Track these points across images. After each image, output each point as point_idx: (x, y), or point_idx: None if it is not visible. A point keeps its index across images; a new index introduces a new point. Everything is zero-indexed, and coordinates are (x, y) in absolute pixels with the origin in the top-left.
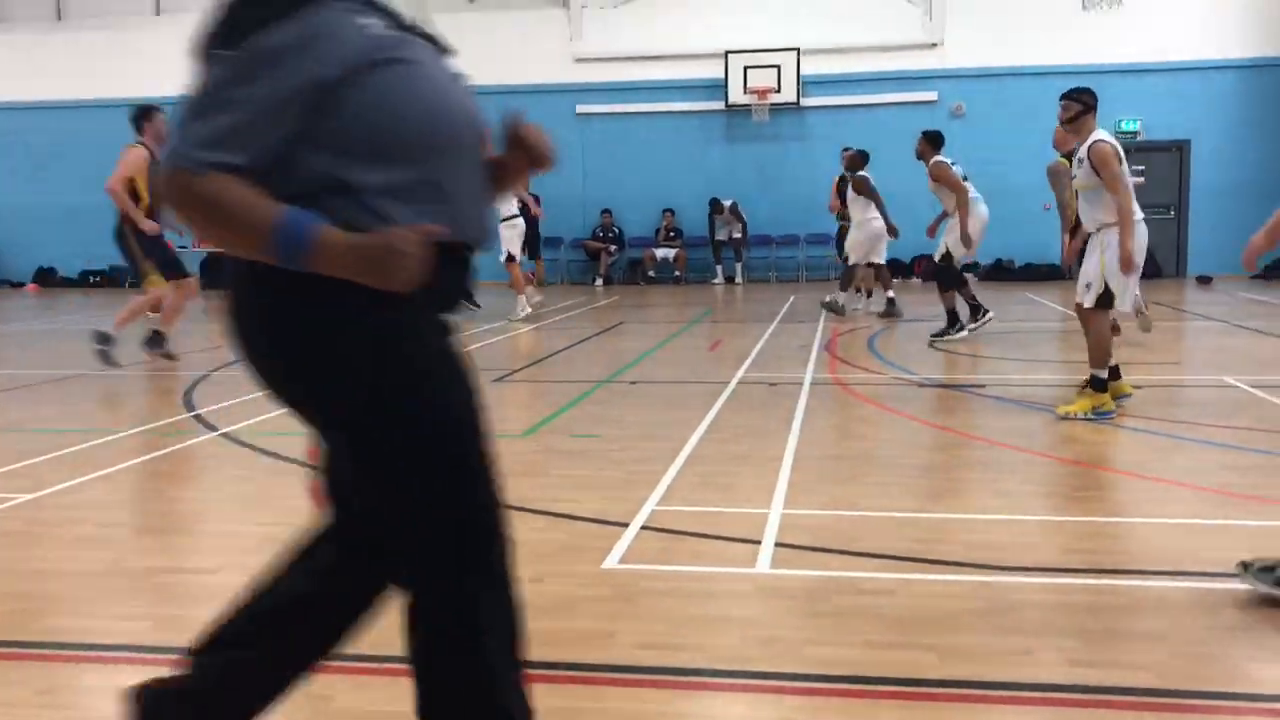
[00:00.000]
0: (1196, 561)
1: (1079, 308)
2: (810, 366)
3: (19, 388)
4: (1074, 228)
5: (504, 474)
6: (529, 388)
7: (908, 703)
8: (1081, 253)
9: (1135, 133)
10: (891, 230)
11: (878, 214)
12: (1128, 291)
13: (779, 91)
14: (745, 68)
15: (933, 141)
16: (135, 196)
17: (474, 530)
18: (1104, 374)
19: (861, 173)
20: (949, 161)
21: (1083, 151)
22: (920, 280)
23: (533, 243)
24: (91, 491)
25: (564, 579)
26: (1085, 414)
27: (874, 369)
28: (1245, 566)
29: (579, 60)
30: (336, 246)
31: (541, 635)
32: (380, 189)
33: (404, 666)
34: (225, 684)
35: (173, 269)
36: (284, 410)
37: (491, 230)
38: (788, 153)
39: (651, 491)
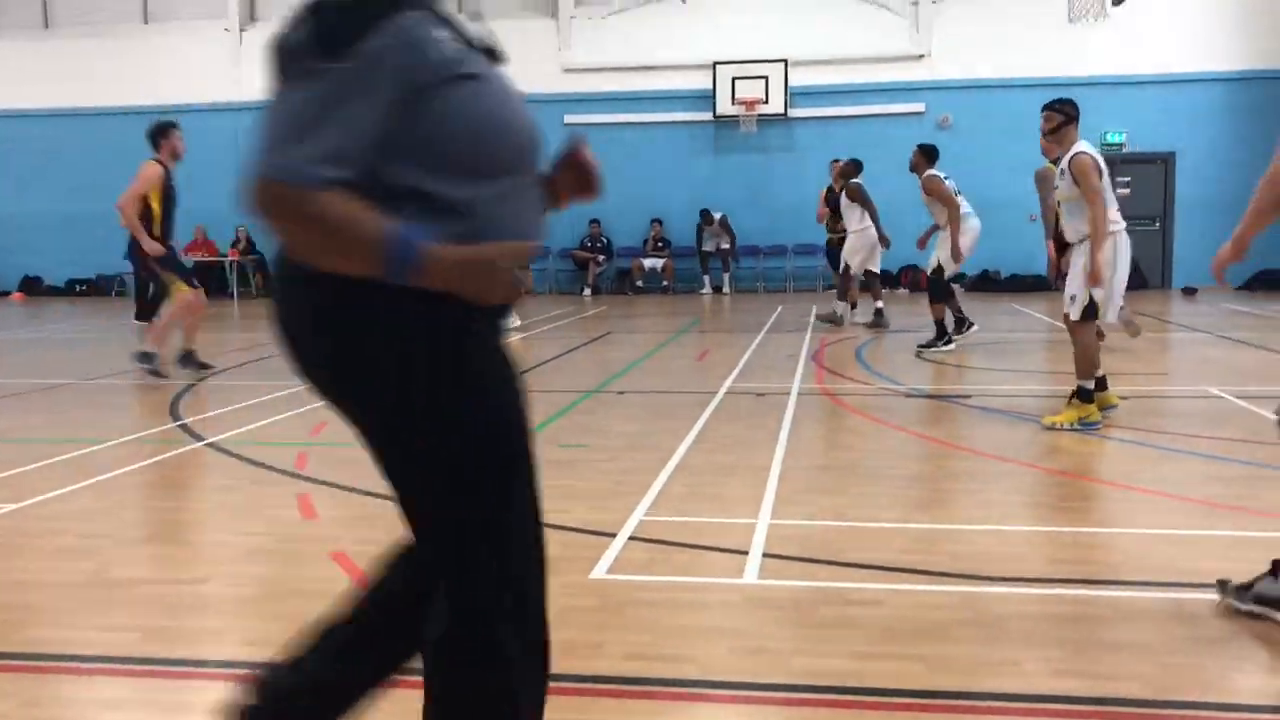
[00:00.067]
0: (1181, 572)
1: (1066, 319)
2: (798, 377)
3: (6, 396)
4: (1057, 236)
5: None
6: None
7: (895, 713)
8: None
9: (1121, 145)
10: (883, 240)
11: (871, 222)
12: (1111, 303)
13: (767, 103)
14: (733, 79)
15: (927, 155)
16: (147, 212)
17: (517, 537)
18: (1091, 385)
19: (855, 180)
20: (942, 175)
21: (1064, 162)
22: (908, 291)
23: None
24: (78, 501)
25: (551, 589)
26: (1071, 425)
27: (861, 379)
28: (1223, 586)
29: (567, 70)
30: (444, 261)
31: None
32: (462, 202)
33: (411, 680)
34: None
35: (192, 276)
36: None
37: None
38: (775, 163)
39: (639, 502)
